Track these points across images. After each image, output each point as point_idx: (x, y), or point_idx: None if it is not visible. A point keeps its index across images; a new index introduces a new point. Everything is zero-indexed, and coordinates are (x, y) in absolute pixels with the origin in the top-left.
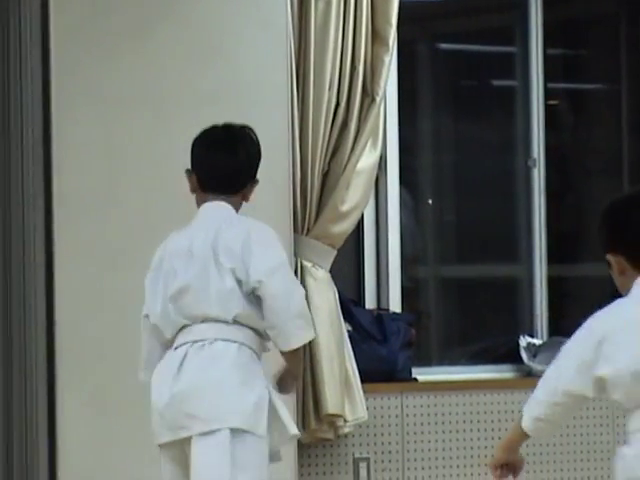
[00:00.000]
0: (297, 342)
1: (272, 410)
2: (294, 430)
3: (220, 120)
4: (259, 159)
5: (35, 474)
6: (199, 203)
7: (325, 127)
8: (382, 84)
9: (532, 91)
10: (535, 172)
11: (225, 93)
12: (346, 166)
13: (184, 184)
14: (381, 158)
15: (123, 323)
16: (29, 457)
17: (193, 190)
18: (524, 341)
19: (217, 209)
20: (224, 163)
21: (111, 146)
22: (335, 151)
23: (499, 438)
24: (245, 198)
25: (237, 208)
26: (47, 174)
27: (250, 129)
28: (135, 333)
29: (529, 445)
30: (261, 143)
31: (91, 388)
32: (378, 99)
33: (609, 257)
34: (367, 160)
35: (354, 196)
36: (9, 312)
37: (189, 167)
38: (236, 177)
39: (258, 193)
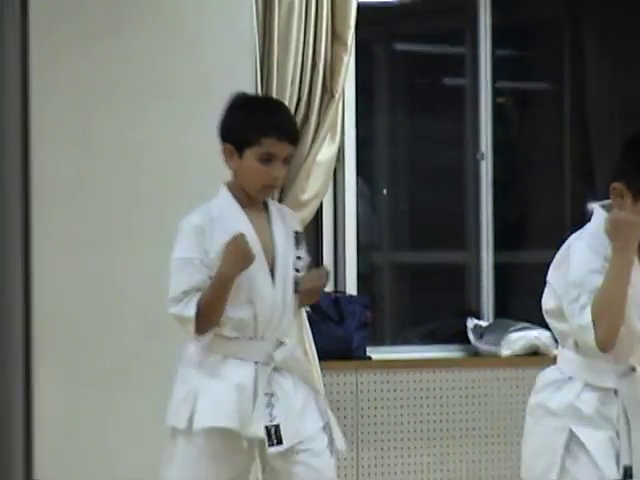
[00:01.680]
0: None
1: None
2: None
3: (188, 112)
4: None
5: (12, 445)
6: None
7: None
8: (341, 82)
9: (481, 90)
10: (483, 165)
11: (193, 86)
12: (306, 158)
13: (156, 170)
14: (339, 151)
15: (96, 305)
16: (5, 430)
17: None
18: (471, 323)
19: None
20: None
21: (86, 135)
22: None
23: (447, 414)
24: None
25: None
26: (25, 162)
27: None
28: (107, 314)
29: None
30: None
31: (65, 365)
32: (337, 95)
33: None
34: (326, 152)
35: (314, 186)
36: None
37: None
38: None
39: (214, 175)
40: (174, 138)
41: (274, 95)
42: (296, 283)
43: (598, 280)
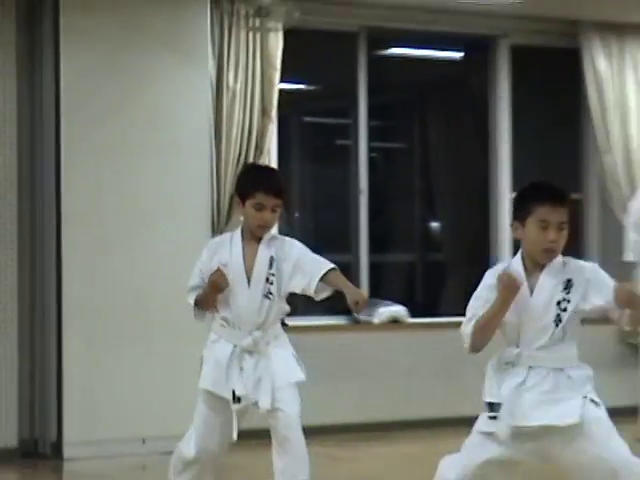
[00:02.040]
0: None
1: None
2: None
3: (166, 162)
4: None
5: (47, 395)
6: None
7: (232, 167)
8: (267, 142)
9: (360, 148)
10: (362, 197)
11: (169, 146)
12: None
13: (147, 196)
14: None
15: (116, 285)
16: (44, 382)
17: None
18: None
19: None
20: None
21: (103, 172)
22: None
23: (340, 361)
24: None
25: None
26: (57, 189)
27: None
28: (122, 291)
29: None
30: (189, 166)
31: (88, 333)
32: (265, 151)
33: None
34: None
35: None
36: (32, 278)
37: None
38: None
39: (186, 200)
40: (158, 176)
41: (222, 150)
42: (270, 292)
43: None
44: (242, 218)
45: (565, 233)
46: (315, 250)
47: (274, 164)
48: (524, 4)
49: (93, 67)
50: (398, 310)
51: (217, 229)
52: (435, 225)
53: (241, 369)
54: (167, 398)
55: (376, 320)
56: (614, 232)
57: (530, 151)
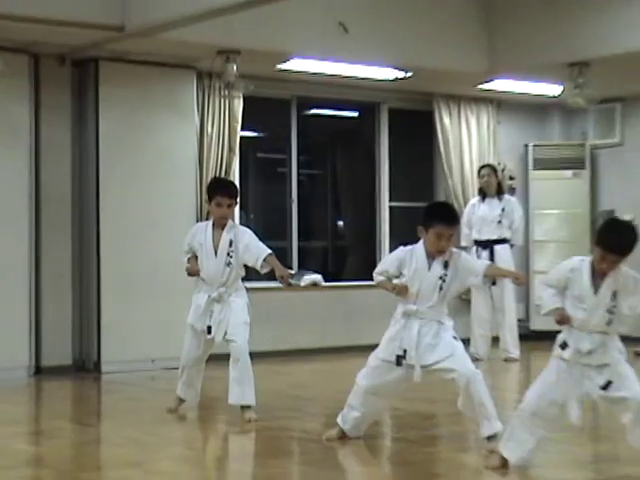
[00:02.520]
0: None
1: None
2: None
3: (166, 183)
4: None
5: (90, 329)
6: None
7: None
8: (232, 169)
9: (292, 173)
10: (293, 205)
11: (169, 172)
12: None
13: (151, 203)
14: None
15: (133, 257)
16: (88, 321)
17: None
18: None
19: None
20: None
21: (125, 188)
22: None
23: (277, 315)
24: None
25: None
26: (97, 197)
27: None
28: (138, 260)
29: None
30: (182, 184)
31: (118, 285)
32: (230, 175)
33: None
34: None
35: None
36: (81, 252)
37: None
38: None
39: (180, 205)
40: (162, 190)
41: (204, 174)
42: (229, 263)
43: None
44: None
45: (452, 240)
46: (263, 238)
47: (237, 182)
48: (397, 82)
49: (119, 121)
50: (317, 277)
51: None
52: (340, 223)
53: (211, 312)
54: (169, 329)
55: (302, 284)
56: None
57: (401, 176)
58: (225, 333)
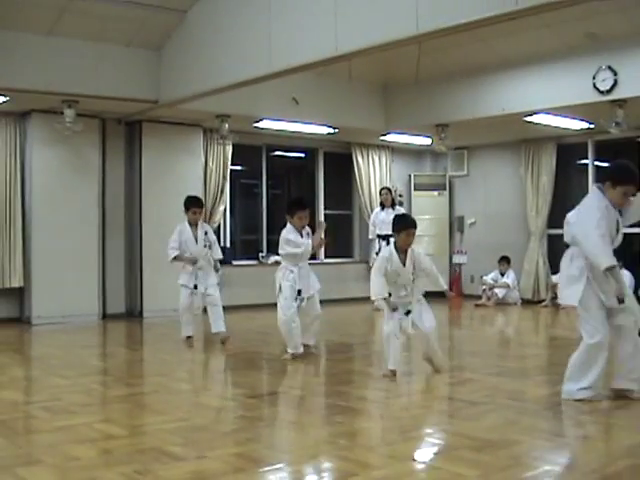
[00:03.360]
0: None
1: None
2: None
3: (181, 195)
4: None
5: (135, 287)
6: None
7: (211, 201)
8: (225, 191)
9: (263, 194)
10: (264, 212)
11: (180, 189)
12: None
13: (165, 204)
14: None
15: (155, 240)
16: (135, 281)
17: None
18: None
19: None
20: None
21: (161, 197)
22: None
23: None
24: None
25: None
26: (140, 207)
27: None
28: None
29: None
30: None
31: (155, 257)
32: (224, 195)
33: None
34: (221, 208)
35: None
36: (132, 238)
37: None
38: None
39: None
40: (179, 204)
41: (207, 195)
42: (206, 245)
43: None
44: (188, 218)
45: (414, 238)
46: (244, 234)
47: (227, 201)
48: (329, 135)
49: (154, 160)
50: (278, 257)
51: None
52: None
53: (197, 276)
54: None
55: (269, 262)
56: (365, 231)
57: (332, 194)
58: (205, 289)
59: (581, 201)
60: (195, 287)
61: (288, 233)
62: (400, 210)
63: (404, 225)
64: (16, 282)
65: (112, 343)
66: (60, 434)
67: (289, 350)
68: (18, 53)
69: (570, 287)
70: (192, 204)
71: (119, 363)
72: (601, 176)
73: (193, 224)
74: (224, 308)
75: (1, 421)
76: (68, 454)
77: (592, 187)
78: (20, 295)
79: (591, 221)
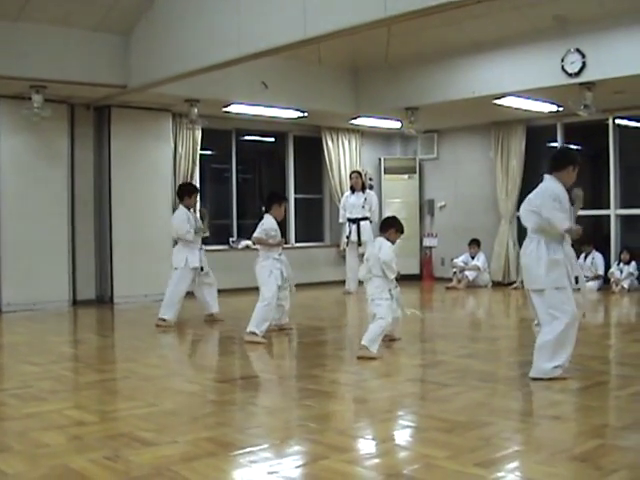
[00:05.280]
0: None
1: None
2: None
3: (161, 186)
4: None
5: (106, 274)
6: None
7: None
8: (195, 176)
9: (233, 178)
10: (234, 197)
11: (158, 179)
12: None
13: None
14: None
15: (139, 225)
16: (105, 268)
17: None
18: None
19: None
20: None
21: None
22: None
23: None
24: None
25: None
26: (109, 192)
27: None
28: (140, 226)
29: None
30: (163, 185)
31: (126, 247)
32: (193, 179)
33: None
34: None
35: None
36: (101, 225)
37: None
38: None
39: (162, 197)
40: (150, 187)
41: (176, 179)
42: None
43: None
44: (184, 204)
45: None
46: (215, 219)
47: (198, 186)
48: (298, 119)
49: (124, 146)
50: (249, 242)
51: (176, 208)
52: (263, 208)
53: (201, 258)
54: (154, 276)
55: (239, 246)
56: (336, 215)
57: (302, 178)
58: (202, 268)
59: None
60: (202, 269)
61: (273, 224)
62: (370, 194)
63: (401, 225)
64: None
65: (82, 329)
66: (30, 421)
67: (259, 332)
68: None
69: (554, 270)
70: (194, 190)
71: (90, 349)
72: (555, 166)
73: (191, 208)
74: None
75: None
76: (38, 441)
77: (546, 176)
78: None
79: (554, 199)
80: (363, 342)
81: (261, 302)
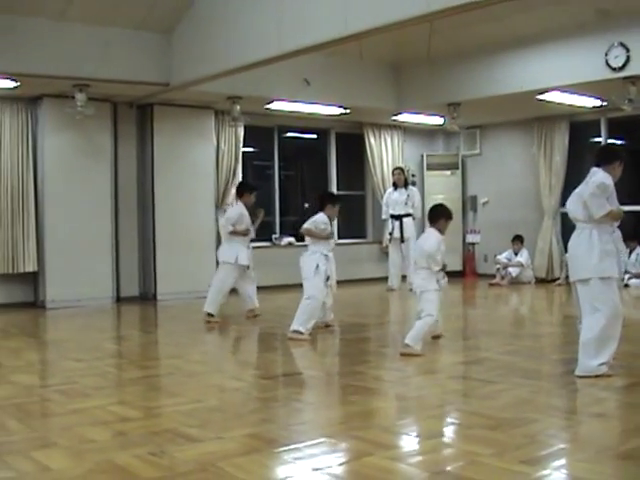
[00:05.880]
0: None
1: None
2: None
3: (202, 179)
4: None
5: (149, 271)
6: None
7: (223, 184)
8: (237, 173)
9: (275, 175)
10: (276, 194)
11: (203, 172)
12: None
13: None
14: None
15: (181, 222)
16: (149, 265)
17: None
18: None
19: None
20: None
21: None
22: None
23: None
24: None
25: None
26: (152, 190)
27: None
28: (183, 222)
29: None
30: (206, 182)
31: (169, 243)
32: (236, 176)
33: None
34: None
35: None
36: (144, 222)
37: None
38: None
39: (206, 195)
40: (195, 185)
41: (219, 176)
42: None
43: None
44: (242, 201)
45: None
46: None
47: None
48: (340, 116)
49: (166, 143)
50: (291, 239)
51: (218, 206)
52: (306, 205)
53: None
54: (197, 272)
55: (282, 243)
56: (378, 211)
57: (344, 175)
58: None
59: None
60: (248, 267)
61: (324, 217)
62: (413, 190)
63: (449, 211)
64: (30, 267)
65: (126, 326)
66: (75, 417)
67: (305, 330)
68: (29, 38)
69: (605, 260)
70: (254, 189)
71: (133, 346)
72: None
73: (249, 206)
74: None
75: (16, 405)
76: (83, 436)
77: (593, 169)
78: (34, 279)
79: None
80: (407, 341)
81: (305, 299)
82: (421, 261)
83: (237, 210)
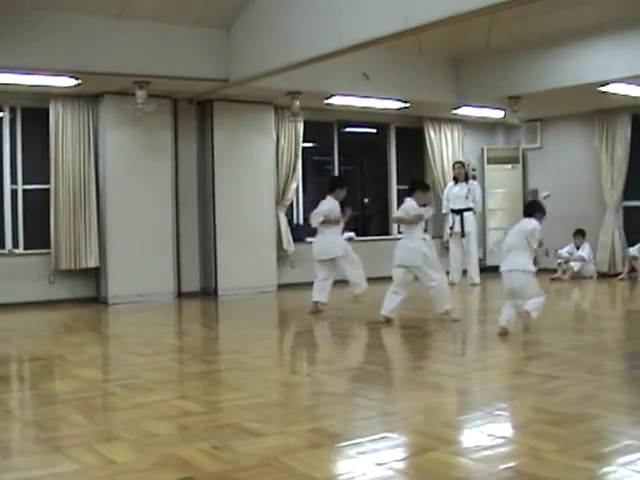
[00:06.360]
0: None
1: None
2: None
3: (255, 177)
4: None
5: (210, 267)
6: None
7: (283, 178)
8: (297, 168)
9: (335, 170)
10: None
11: (259, 167)
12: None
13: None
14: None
15: (242, 217)
16: (210, 261)
17: None
18: None
19: None
20: None
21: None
22: (285, 187)
23: None
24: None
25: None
26: (213, 186)
27: None
28: (243, 218)
29: None
30: (266, 177)
31: (230, 238)
32: (296, 172)
33: None
34: (293, 184)
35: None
36: (204, 217)
37: None
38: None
39: (267, 190)
40: (255, 180)
41: (279, 171)
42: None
43: None
44: (334, 195)
45: None
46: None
47: (300, 178)
48: (400, 110)
49: (226, 138)
50: (352, 234)
51: (278, 202)
52: (366, 200)
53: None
54: (258, 267)
55: (344, 238)
56: (439, 206)
57: (404, 169)
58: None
59: None
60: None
61: (414, 204)
62: (473, 184)
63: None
64: (92, 262)
65: (188, 321)
66: (138, 411)
67: (449, 308)
68: (89, 36)
69: None
70: (346, 184)
71: (195, 340)
72: None
73: (340, 200)
74: (300, 284)
75: (81, 399)
76: (146, 430)
77: None
78: (96, 275)
79: None
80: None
81: (433, 283)
82: (520, 241)
83: (328, 204)
